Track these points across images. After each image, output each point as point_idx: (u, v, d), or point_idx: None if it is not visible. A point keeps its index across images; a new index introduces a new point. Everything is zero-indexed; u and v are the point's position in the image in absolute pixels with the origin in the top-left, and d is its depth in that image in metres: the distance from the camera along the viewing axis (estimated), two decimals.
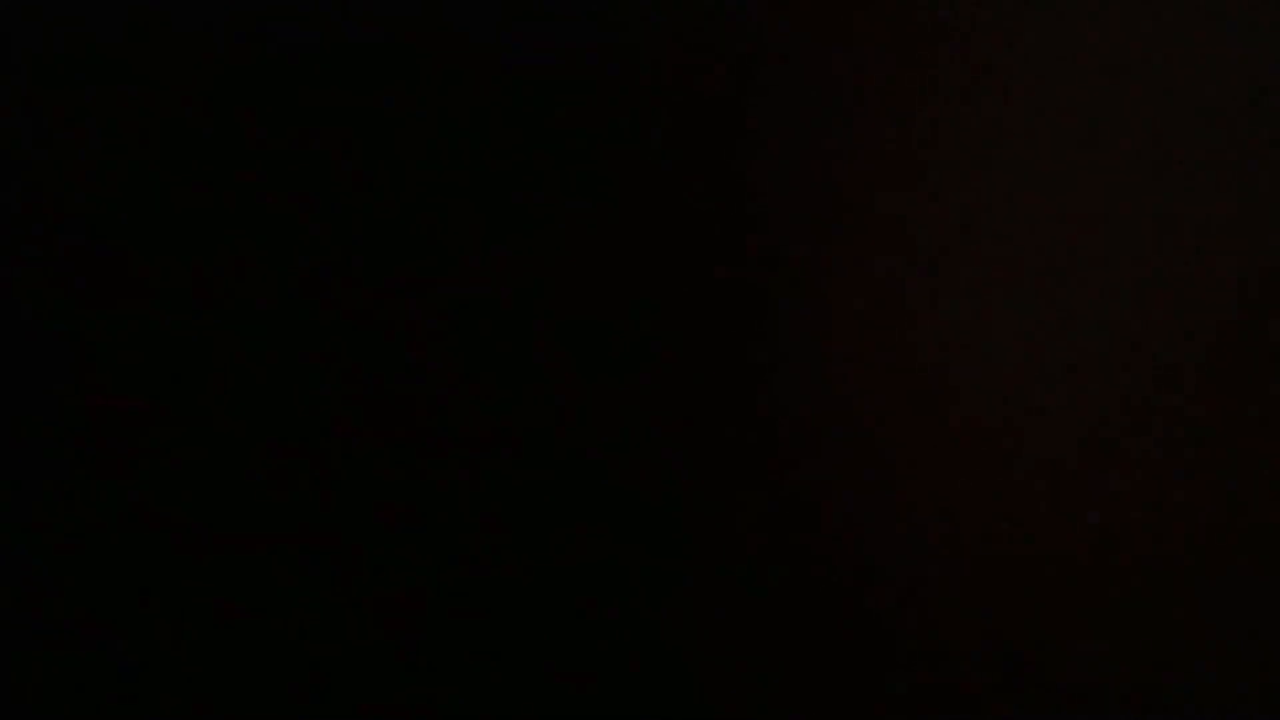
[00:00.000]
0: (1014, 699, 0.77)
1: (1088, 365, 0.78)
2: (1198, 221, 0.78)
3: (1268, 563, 0.77)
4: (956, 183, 0.78)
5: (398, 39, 0.79)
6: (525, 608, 0.78)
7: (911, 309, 0.78)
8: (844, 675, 0.77)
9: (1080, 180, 0.78)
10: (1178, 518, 0.77)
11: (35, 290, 0.79)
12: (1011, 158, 0.78)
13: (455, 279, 0.79)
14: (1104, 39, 0.79)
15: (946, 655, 0.77)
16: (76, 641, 0.78)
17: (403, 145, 0.79)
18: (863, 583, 0.78)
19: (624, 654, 0.78)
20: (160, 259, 0.79)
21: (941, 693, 0.77)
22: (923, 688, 0.77)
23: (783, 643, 0.78)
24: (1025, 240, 0.78)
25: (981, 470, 0.77)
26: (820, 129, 0.79)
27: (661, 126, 0.79)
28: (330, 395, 0.79)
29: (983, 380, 0.78)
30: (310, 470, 0.78)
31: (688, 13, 0.79)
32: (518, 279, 0.79)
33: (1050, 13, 0.79)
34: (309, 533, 0.78)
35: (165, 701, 0.78)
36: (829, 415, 0.78)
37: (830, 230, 0.78)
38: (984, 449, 0.77)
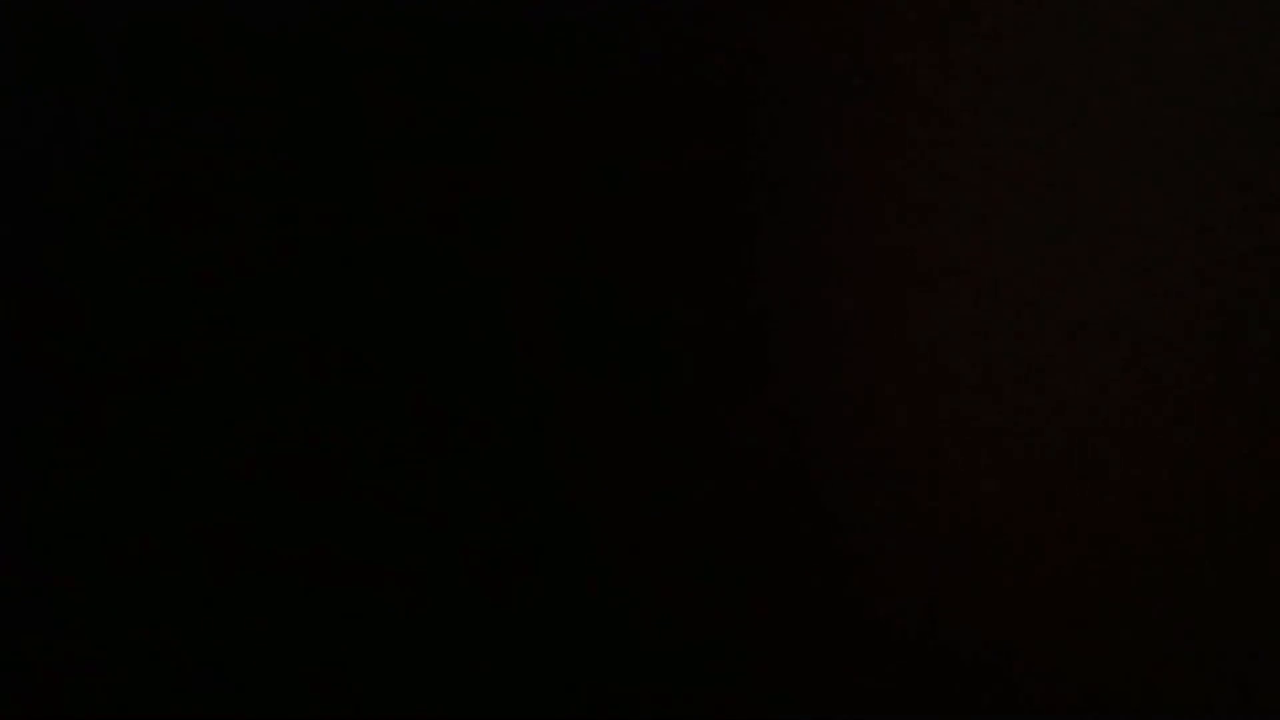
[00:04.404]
0: (1013, 698, 0.77)
1: (1087, 363, 0.78)
2: (1198, 220, 0.78)
3: (1268, 563, 0.77)
4: (958, 181, 0.78)
5: (396, 32, 0.79)
6: (524, 604, 0.78)
7: (912, 307, 0.78)
8: (842, 673, 0.78)
9: (1081, 179, 0.78)
10: (1178, 517, 0.77)
11: (35, 290, 0.79)
12: (1012, 157, 0.78)
13: (454, 277, 0.79)
14: (1105, 37, 0.79)
15: (945, 653, 0.77)
16: (75, 640, 0.78)
17: (400, 142, 0.79)
18: (861, 581, 0.78)
19: (622, 650, 0.78)
20: (160, 258, 0.79)
21: (940, 691, 0.77)
22: (922, 686, 0.77)
23: (782, 640, 0.78)
24: (1026, 238, 0.78)
25: (980, 468, 0.77)
26: (821, 127, 0.79)
27: (661, 124, 0.79)
28: (328, 395, 0.79)
29: (982, 378, 0.78)
30: (307, 469, 0.78)
31: (688, 10, 0.79)
32: (515, 276, 0.79)
33: (1052, 11, 0.79)
34: (306, 532, 0.78)
35: (165, 700, 0.78)
36: (828, 414, 0.78)
37: (830, 228, 0.78)
38: (983, 447, 0.78)
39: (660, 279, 0.79)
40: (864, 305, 0.78)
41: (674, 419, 0.78)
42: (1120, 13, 0.79)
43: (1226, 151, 0.78)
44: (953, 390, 0.78)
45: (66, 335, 0.79)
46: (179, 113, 0.79)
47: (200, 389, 0.79)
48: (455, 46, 0.79)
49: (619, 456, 0.78)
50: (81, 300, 0.79)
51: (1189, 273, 0.78)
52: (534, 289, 0.79)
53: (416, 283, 0.79)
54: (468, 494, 0.78)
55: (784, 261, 0.78)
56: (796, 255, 0.78)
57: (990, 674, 0.77)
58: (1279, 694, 0.77)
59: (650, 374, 0.78)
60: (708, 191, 0.79)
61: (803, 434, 0.78)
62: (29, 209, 0.79)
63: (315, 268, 0.79)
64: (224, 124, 0.79)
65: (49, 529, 0.79)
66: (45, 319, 0.79)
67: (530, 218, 0.79)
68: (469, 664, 0.78)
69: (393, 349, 0.79)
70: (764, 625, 0.78)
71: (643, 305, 0.78)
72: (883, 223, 0.78)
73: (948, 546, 0.77)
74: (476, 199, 0.79)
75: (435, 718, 0.78)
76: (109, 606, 0.78)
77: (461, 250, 0.79)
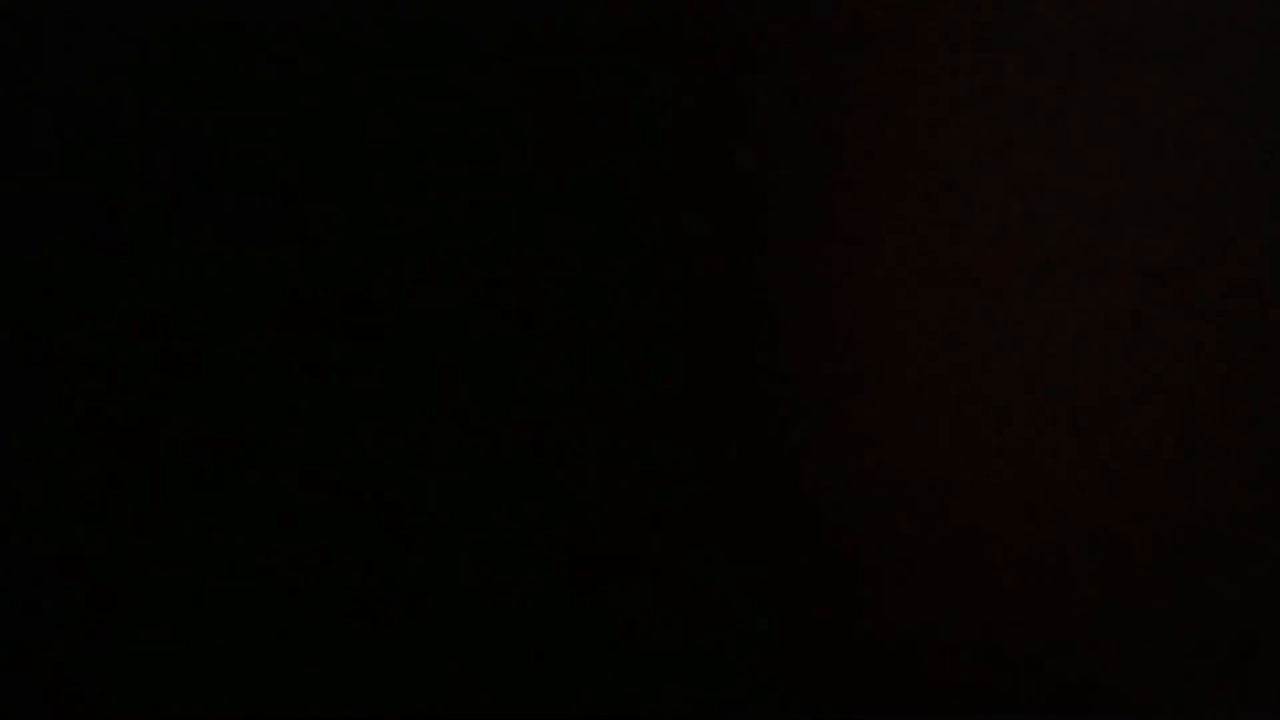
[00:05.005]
0: (1013, 699, 0.77)
1: (1087, 364, 0.78)
2: (1198, 220, 0.78)
3: (1268, 563, 0.77)
4: (957, 182, 0.78)
5: (393, 32, 0.79)
6: (523, 605, 0.78)
7: (912, 307, 0.78)
8: (842, 673, 0.78)
9: (1081, 179, 0.78)
10: (1177, 517, 0.77)
11: (35, 290, 0.79)
12: (1012, 156, 0.78)
13: (452, 278, 0.79)
14: (1105, 37, 0.79)
15: (945, 654, 0.77)
16: (75, 640, 0.78)
17: (397, 142, 0.79)
18: (861, 583, 0.78)
19: (622, 651, 0.78)
20: (160, 258, 0.79)
21: (939, 692, 0.77)
22: (920, 687, 0.77)
23: (779, 641, 0.78)
24: (1025, 239, 0.78)
25: (981, 469, 0.77)
26: (821, 127, 0.79)
27: (661, 125, 0.79)
28: (329, 395, 0.79)
29: (982, 379, 0.78)
30: (308, 470, 0.78)
31: (688, 10, 0.79)
32: (513, 278, 0.79)
33: (1051, 11, 0.79)
34: (307, 532, 0.78)
35: (164, 700, 0.78)
36: (828, 415, 0.78)
37: (830, 229, 0.78)
38: (983, 447, 0.78)
39: (660, 280, 0.79)
40: (864, 306, 0.78)
41: (673, 420, 0.78)
42: (1121, 13, 0.79)
43: (1227, 152, 0.78)
44: (952, 392, 0.78)
45: (66, 335, 0.79)
46: (179, 112, 0.79)
47: (201, 390, 0.79)
48: (455, 46, 0.79)
49: (618, 456, 0.78)
50: (82, 300, 0.79)
51: (1190, 274, 0.78)
52: (532, 289, 0.79)
53: (414, 282, 0.79)
54: (466, 494, 0.78)
55: (784, 263, 0.78)
56: (796, 257, 0.78)
57: (990, 676, 0.77)
58: (1279, 694, 0.77)
59: (649, 375, 0.78)
60: (707, 192, 0.79)
61: (802, 435, 0.78)
62: (29, 209, 0.79)
63: (315, 268, 0.79)
64: (224, 124, 0.79)
65: (49, 529, 0.79)
66: (45, 319, 0.79)
67: (529, 217, 0.79)
68: (469, 664, 0.78)
69: (389, 348, 0.79)
70: (763, 626, 0.78)
71: (642, 305, 0.78)
72: (883, 224, 0.78)
73: (947, 548, 0.77)
74: (476, 199, 0.79)
75: (435, 718, 0.78)
76: (109, 607, 0.78)
77: (460, 250, 0.79)
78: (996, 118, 0.78)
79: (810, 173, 0.78)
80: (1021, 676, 0.77)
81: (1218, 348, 0.78)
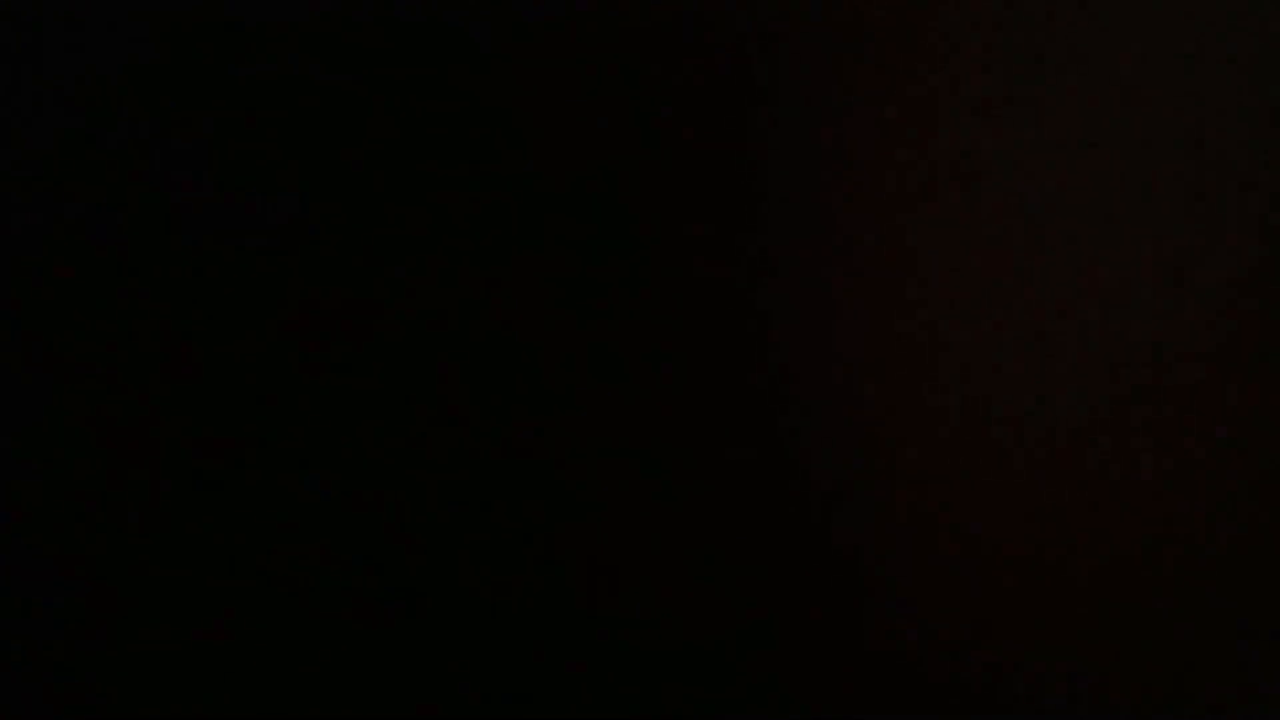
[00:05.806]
0: (1012, 699, 0.77)
1: (1087, 364, 0.78)
2: (1199, 220, 0.78)
3: (1268, 563, 0.77)
4: (957, 181, 0.78)
5: (393, 32, 0.79)
6: (525, 606, 0.78)
7: (912, 308, 0.78)
8: (840, 674, 0.78)
9: (1081, 179, 0.78)
10: (1177, 517, 0.77)
11: (36, 290, 0.79)
12: (1012, 156, 0.78)
13: (452, 279, 0.79)
14: (1105, 37, 0.79)
15: (944, 655, 0.77)
16: (75, 641, 0.78)
17: (397, 142, 0.79)
18: (861, 582, 0.78)
19: (620, 650, 0.78)
20: (161, 258, 0.79)
21: (939, 692, 0.77)
22: (920, 688, 0.77)
23: (779, 641, 0.78)
24: (1026, 239, 0.78)
25: (981, 470, 0.77)
26: (821, 127, 0.79)
27: (661, 124, 0.79)
28: (329, 396, 0.79)
29: (982, 379, 0.78)
30: (306, 472, 0.78)
31: (688, 10, 0.79)
32: (513, 278, 0.79)
33: (1052, 10, 0.79)
34: (305, 534, 0.78)
35: (164, 701, 0.78)
36: (828, 415, 0.78)
37: (830, 229, 0.78)
38: (984, 447, 0.77)
39: (660, 280, 0.78)
40: (864, 307, 0.78)
41: (673, 420, 0.78)
42: (1122, 12, 0.79)
43: (1227, 152, 0.78)
44: (953, 392, 0.78)
45: (67, 335, 0.79)
46: (179, 112, 0.79)
47: (201, 390, 0.79)
48: (455, 46, 0.79)
49: (618, 456, 0.78)
50: (82, 300, 0.79)
51: (1190, 273, 0.78)
52: (532, 289, 0.79)
53: (414, 282, 0.79)
54: (466, 494, 0.78)
55: (784, 263, 0.78)
56: (796, 257, 0.78)
57: (990, 676, 0.77)
58: (1279, 693, 0.77)
59: (649, 375, 0.78)
60: (707, 192, 0.79)
61: (802, 435, 0.78)
62: (29, 209, 0.79)
63: (315, 268, 0.79)
64: (224, 124, 0.79)
65: (49, 529, 0.79)
66: (45, 319, 0.79)
67: (529, 217, 0.79)
68: (469, 664, 0.78)
69: (389, 348, 0.79)
70: (763, 626, 0.78)
71: (642, 305, 0.78)
72: (883, 224, 0.78)
73: (948, 549, 0.77)
74: (476, 199, 0.79)
75: (435, 718, 0.78)
76: (109, 607, 0.78)
77: (460, 250, 0.79)
78: (997, 118, 0.78)
79: (810, 173, 0.78)
80: (1021, 677, 0.77)
81: (1217, 347, 0.78)
